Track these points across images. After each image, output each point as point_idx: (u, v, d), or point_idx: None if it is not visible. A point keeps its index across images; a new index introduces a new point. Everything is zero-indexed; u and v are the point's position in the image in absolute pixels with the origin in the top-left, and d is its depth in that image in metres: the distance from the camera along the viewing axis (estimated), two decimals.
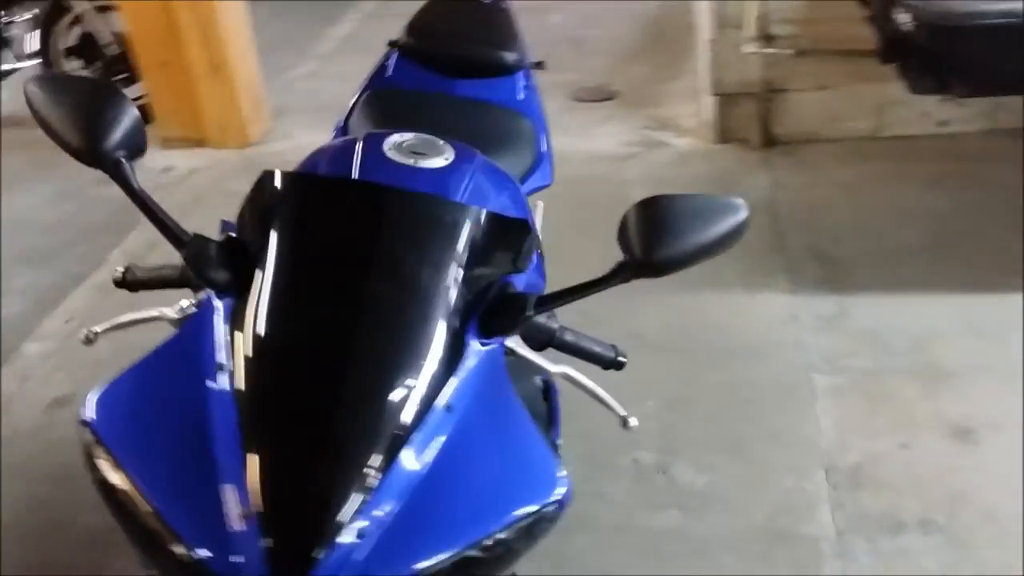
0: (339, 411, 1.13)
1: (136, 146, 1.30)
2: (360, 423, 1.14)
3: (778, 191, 4.00)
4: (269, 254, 1.23)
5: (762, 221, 3.78)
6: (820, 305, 3.29)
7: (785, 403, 2.88)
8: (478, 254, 1.28)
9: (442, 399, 1.17)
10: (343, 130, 2.31)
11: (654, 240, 1.23)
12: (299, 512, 1.08)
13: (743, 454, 2.70)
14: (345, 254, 1.23)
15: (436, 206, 1.32)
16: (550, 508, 1.20)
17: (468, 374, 1.21)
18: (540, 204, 2.60)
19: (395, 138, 1.71)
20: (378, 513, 1.10)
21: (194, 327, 1.26)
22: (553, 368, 1.35)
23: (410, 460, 1.13)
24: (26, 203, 4.52)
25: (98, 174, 1.30)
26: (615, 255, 1.26)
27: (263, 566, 1.06)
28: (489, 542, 1.15)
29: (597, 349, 1.43)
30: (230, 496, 1.09)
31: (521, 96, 2.43)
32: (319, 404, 1.13)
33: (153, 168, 4.57)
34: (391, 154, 1.67)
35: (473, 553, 1.14)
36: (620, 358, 1.46)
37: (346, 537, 1.08)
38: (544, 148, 2.38)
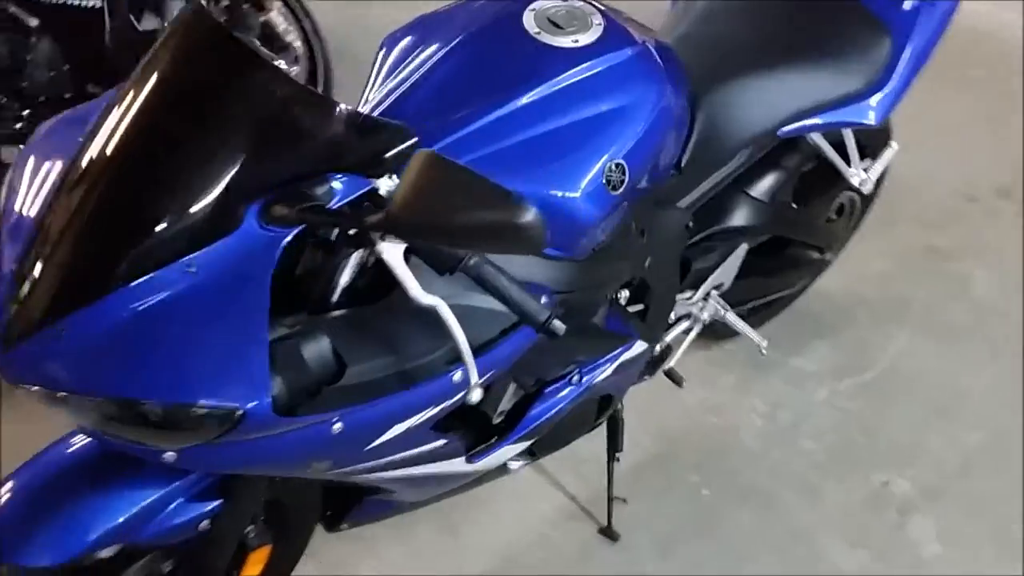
0: (92, 221, 1.19)
1: None
2: (103, 240, 1.19)
3: None
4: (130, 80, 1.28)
5: None
6: None
7: None
8: (305, 142, 1.19)
9: (191, 258, 1.17)
10: None
11: (406, 196, 1.07)
12: (28, 296, 1.20)
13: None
14: (177, 98, 1.22)
15: (282, 85, 1.21)
16: (234, 412, 1.17)
17: (229, 248, 1.17)
18: (891, 147, 2.07)
19: (541, 6, 1.55)
20: (85, 326, 1.16)
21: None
22: (423, 298, 1.22)
23: (131, 295, 1.16)
24: None
25: None
26: None
27: None
28: (158, 408, 1.17)
29: (520, 301, 1.23)
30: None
31: (907, 7, 1.90)
32: (85, 208, 1.20)
33: None
34: (528, 22, 1.53)
35: (141, 409, 1.17)
36: (550, 323, 1.24)
37: (50, 333, 1.16)
38: (892, 82, 1.87)
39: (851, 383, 2.46)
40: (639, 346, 1.76)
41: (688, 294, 2.02)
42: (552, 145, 1.45)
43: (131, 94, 1.24)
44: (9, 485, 1.40)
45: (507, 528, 2.15)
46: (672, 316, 2.00)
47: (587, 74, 1.49)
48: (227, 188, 1.18)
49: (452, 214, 1.06)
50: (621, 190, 1.48)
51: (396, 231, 1.10)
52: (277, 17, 3.44)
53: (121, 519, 1.39)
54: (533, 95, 1.46)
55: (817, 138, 1.96)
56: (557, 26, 1.53)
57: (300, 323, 1.27)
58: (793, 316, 2.57)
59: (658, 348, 2.01)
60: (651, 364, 2.03)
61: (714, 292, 2.06)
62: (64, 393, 1.19)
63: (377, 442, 1.38)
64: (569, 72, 1.48)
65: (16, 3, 2.54)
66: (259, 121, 1.19)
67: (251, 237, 1.18)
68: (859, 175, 2.04)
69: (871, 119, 1.87)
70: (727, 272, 2.06)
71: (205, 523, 1.48)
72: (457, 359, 1.35)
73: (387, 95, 1.48)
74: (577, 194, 1.43)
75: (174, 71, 1.23)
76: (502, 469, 1.81)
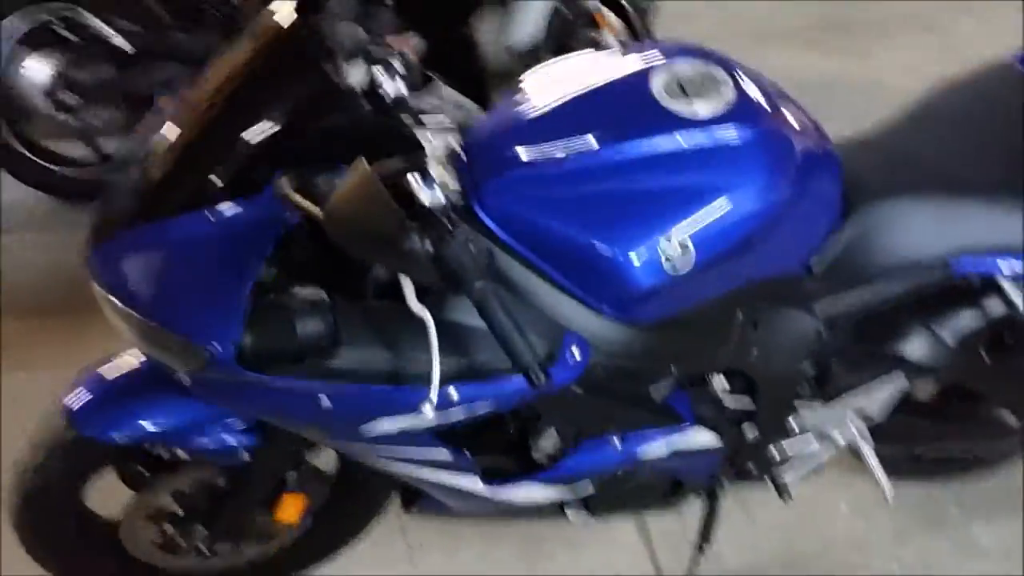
0: (161, 163, 1.40)
1: None
2: (162, 179, 1.39)
3: None
4: None
5: None
6: None
7: None
8: (328, 134, 1.34)
9: (214, 209, 1.34)
10: None
11: (334, 200, 1.21)
12: (110, 209, 1.44)
13: None
14: (244, 77, 1.40)
15: (328, 84, 1.33)
16: (202, 349, 1.31)
17: (244, 210, 1.32)
18: None
19: (678, 67, 1.51)
20: (130, 245, 1.39)
21: None
22: (413, 307, 1.27)
23: (168, 227, 1.36)
24: None
25: None
26: None
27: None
28: (151, 329, 1.36)
29: (509, 337, 1.21)
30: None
31: None
32: (159, 150, 1.41)
33: None
34: (655, 80, 1.50)
35: (143, 325, 1.36)
36: (531, 368, 1.21)
37: (114, 243, 1.40)
38: None
39: None
40: (702, 434, 1.67)
41: (818, 404, 1.86)
42: (625, 204, 1.42)
43: (214, 68, 1.45)
44: (99, 371, 1.64)
45: None
46: (796, 426, 1.85)
47: (687, 146, 1.43)
48: (255, 156, 1.34)
49: (360, 226, 1.16)
50: (683, 270, 1.41)
51: (324, 230, 1.21)
52: (609, 36, 3.56)
53: (175, 424, 1.59)
54: (629, 151, 1.44)
55: (1008, 284, 1.71)
56: (683, 91, 1.48)
57: (314, 295, 1.37)
58: (1005, 480, 2.26)
59: (776, 453, 1.87)
60: (764, 466, 1.90)
61: (853, 415, 1.87)
62: (109, 296, 1.41)
63: (369, 428, 1.46)
64: (671, 139, 1.44)
65: None
66: (298, 107, 1.34)
67: (262, 206, 1.33)
68: None
69: None
70: (875, 399, 1.86)
71: (245, 454, 1.65)
72: (456, 376, 1.39)
73: (500, 114, 1.53)
74: (629, 258, 1.40)
75: (248, 53, 1.43)
76: (557, 511, 1.81)
